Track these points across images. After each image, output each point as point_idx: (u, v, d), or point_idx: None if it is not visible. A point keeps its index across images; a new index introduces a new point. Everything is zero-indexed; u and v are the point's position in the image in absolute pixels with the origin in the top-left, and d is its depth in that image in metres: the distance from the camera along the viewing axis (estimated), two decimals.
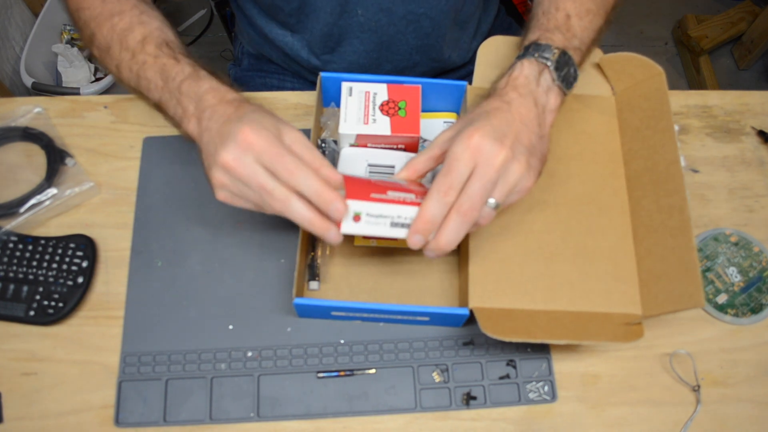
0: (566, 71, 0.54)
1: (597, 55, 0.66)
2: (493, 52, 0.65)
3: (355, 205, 0.47)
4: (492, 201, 0.48)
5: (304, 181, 0.45)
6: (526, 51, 0.54)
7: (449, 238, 0.48)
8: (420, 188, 0.51)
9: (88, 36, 0.60)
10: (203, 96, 0.51)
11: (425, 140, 0.65)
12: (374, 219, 0.48)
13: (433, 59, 0.79)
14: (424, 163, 0.52)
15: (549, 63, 0.53)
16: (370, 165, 0.61)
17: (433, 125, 0.68)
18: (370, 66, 0.77)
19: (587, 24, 0.58)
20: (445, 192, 0.47)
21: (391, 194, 0.48)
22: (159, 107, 0.56)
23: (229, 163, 0.46)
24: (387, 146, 0.62)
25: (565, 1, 0.57)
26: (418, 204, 0.48)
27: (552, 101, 0.53)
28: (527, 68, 0.53)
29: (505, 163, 0.47)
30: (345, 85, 0.63)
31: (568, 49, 0.54)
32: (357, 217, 0.47)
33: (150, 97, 0.56)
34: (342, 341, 0.61)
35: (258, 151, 0.45)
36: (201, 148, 0.50)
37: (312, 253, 0.63)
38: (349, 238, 0.64)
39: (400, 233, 0.49)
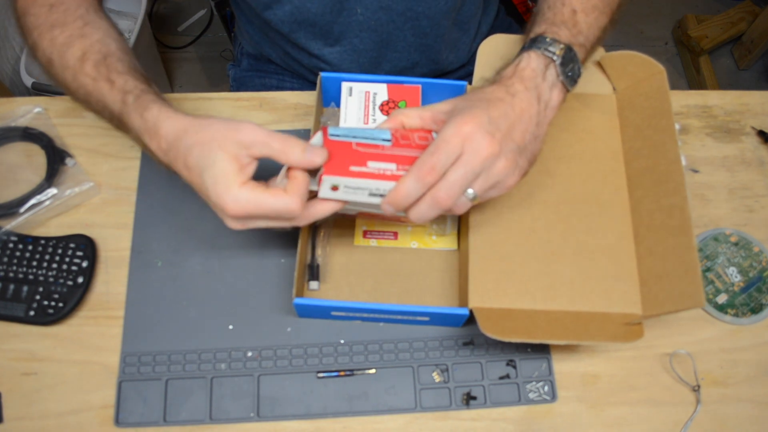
0: (571, 67, 0.53)
1: (598, 53, 0.65)
2: (493, 51, 0.65)
3: (332, 180, 0.48)
4: (471, 192, 0.48)
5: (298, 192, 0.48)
6: (533, 43, 0.53)
7: (419, 216, 0.49)
8: (406, 150, 0.50)
9: (30, 44, 0.58)
10: (141, 137, 0.52)
11: None
12: (352, 190, 0.49)
13: (432, 60, 0.79)
14: (411, 119, 0.52)
15: (555, 58, 0.52)
16: None
17: None
18: (369, 66, 0.77)
19: (593, 21, 0.57)
20: (427, 172, 0.47)
21: (371, 165, 0.48)
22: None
23: (236, 226, 0.50)
24: None
25: None
26: (398, 177, 0.48)
27: (555, 98, 0.53)
28: (534, 61, 0.52)
29: (491, 157, 0.47)
30: (345, 85, 0.63)
31: (574, 45, 0.54)
32: (335, 188, 0.48)
33: (110, 123, 0.56)
34: (342, 341, 0.61)
35: (250, 212, 0.48)
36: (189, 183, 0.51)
37: (312, 253, 0.63)
38: (349, 238, 0.64)
39: (378, 201, 0.50)
